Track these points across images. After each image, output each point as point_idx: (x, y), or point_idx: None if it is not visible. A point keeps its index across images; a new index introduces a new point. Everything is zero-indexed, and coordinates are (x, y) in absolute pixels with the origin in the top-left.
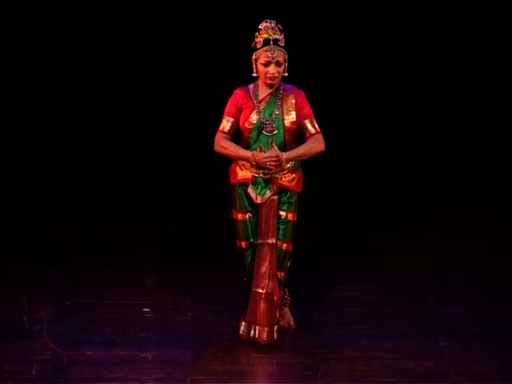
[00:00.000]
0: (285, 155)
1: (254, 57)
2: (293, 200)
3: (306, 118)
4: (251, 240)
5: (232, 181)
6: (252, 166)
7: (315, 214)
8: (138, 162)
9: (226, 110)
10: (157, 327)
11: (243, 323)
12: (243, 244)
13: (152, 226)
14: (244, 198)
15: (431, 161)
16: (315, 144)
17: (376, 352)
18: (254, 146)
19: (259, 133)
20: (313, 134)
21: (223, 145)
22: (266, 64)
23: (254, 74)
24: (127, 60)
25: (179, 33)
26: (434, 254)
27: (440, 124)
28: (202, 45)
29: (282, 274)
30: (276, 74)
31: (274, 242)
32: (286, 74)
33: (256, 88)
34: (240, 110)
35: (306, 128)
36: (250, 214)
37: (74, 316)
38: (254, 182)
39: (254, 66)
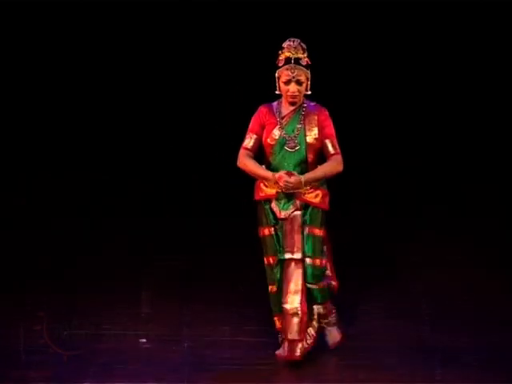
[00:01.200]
0: (303, 178)
1: (276, 75)
2: (315, 214)
3: (327, 138)
4: (278, 255)
5: (256, 197)
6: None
7: None
8: (138, 162)
9: (250, 127)
10: (154, 357)
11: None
12: (271, 260)
13: (152, 227)
14: (269, 212)
15: (431, 161)
16: (333, 166)
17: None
18: (275, 162)
19: (281, 148)
20: (332, 155)
21: (245, 162)
22: (287, 82)
23: (277, 92)
24: (128, 62)
25: (182, 34)
26: (433, 285)
27: (440, 124)
28: (201, 45)
29: (319, 285)
30: (296, 93)
31: (300, 257)
32: (309, 93)
33: (279, 105)
34: (263, 127)
35: (326, 148)
36: (277, 227)
37: (70, 346)
38: (278, 198)
39: (276, 84)
